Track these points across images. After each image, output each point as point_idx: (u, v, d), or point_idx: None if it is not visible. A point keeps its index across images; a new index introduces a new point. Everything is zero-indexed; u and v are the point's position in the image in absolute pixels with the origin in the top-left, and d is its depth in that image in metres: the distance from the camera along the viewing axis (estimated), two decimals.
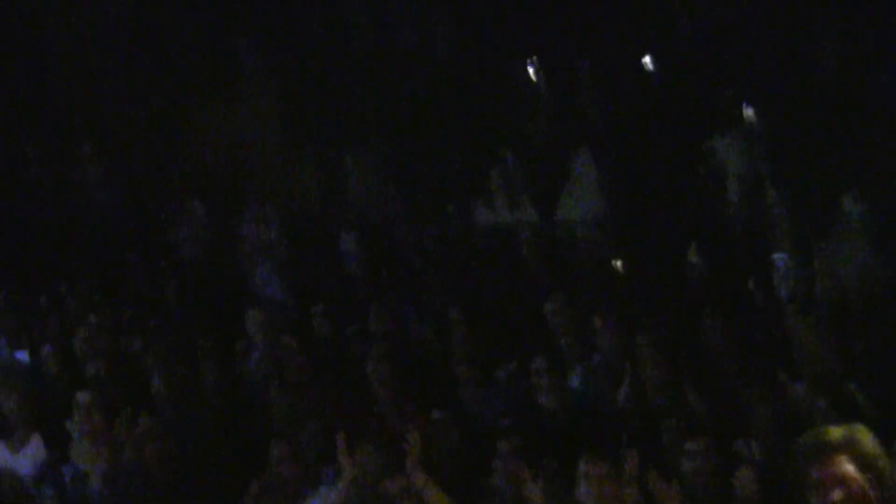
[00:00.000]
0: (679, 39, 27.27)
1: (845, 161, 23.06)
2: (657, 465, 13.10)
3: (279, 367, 16.95)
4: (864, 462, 7.76)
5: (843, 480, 7.72)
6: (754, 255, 20.52)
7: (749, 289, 19.93)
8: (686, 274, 20.80)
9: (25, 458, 15.11)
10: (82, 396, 15.13)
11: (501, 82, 28.09)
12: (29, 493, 14.18)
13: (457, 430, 14.54)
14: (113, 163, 25.56)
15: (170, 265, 22.13)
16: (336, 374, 16.62)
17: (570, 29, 27.67)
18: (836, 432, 8.18)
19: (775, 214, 21.81)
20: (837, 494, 7.60)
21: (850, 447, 7.85)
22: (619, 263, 21.62)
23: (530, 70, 27.91)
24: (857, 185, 22.14)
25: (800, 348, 15.47)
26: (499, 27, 28.11)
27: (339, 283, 21.43)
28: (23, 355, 18.29)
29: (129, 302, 19.91)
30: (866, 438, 8.05)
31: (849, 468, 7.78)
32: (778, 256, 19.85)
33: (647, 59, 26.84)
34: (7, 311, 19.55)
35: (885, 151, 23.53)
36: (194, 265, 22.47)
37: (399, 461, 13.05)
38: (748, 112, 25.97)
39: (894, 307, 16.34)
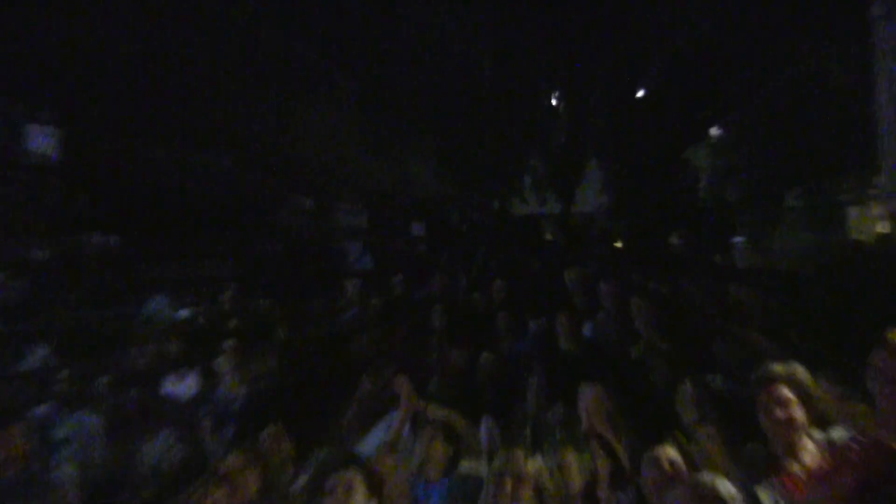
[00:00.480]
0: (661, 78, 27.43)
1: (788, 168, 23.09)
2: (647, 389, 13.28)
3: (368, 321, 17.09)
4: (799, 389, 8.07)
5: (783, 403, 8.04)
6: (720, 238, 20.57)
7: (716, 262, 20.01)
8: (669, 251, 20.83)
9: (186, 388, 15.16)
10: (226, 343, 15.30)
11: (532, 109, 28.15)
12: (189, 412, 14.28)
13: (498, 367, 14.55)
14: (247, 170, 25.67)
15: (287, 245, 22.33)
16: (408, 325, 16.70)
17: (585, 66, 27.79)
18: (778, 367, 8.49)
19: (735, 208, 21.91)
20: (779, 412, 7.91)
21: (789, 378, 8.16)
22: (619, 243, 21.77)
23: (553, 100, 27.95)
24: (798, 186, 22.19)
25: (752, 306, 15.57)
26: (530, 63, 28.02)
27: (411, 258, 21.75)
28: (185, 312, 18.35)
29: (259, 273, 20.13)
30: (801, 371, 8.36)
31: (787, 393, 8.08)
32: (737, 239, 19.94)
33: (640, 93, 27.05)
34: (173, 280, 19.60)
35: (818, 161, 23.66)
36: (306, 245, 22.60)
37: (452, 393, 13.15)
38: (714, 131, 26.13)
39: (824, 278, 16.46)
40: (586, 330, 15.94)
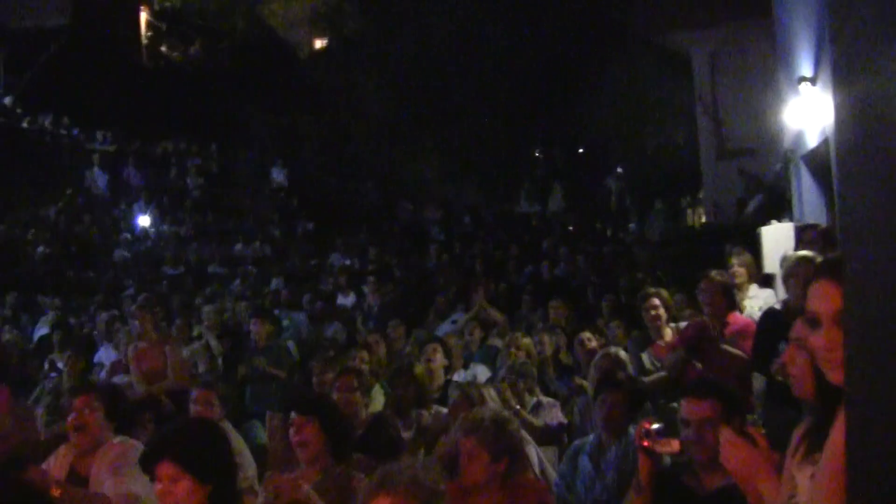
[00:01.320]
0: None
1: (657, 189, 22.72)
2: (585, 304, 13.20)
3: (441, 267, 16.96)
4: (662, 300, 7.88)
5: (654, 307, 7.85)
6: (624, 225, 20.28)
7: (621, 237, 19.78)
8: (597, 231, 20.63)
9: (349, 300, 14.92)
10: (369, 279, 15.09)
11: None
12: (349, 314, 14.09)
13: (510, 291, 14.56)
14: (380, 188, 25.35)
15: (399, 227, 22.04)
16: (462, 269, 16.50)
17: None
18: (652, 289, 8.28)
19: (631, 210, 21.53)
20: (652, 312, 7.73)
21: (658, 294, 7.97)
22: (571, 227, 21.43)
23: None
24: (661, 198, 21.88)
25: (641, 259, 15.47)
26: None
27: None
28: (347, 262, 17.98)
29: (385, 243, 19.82)
30: (663, 291, 8.19)
31: (656, 302, 7.88)
32: (631, 225, 19.68)
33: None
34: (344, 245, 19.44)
35: (672, 184, 23.40)
36: (407, 226, 22.20)
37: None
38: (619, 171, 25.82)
39: (674, 245, 16.24)
40: (557, 271, 15.86)
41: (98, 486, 4.85)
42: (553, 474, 6.09)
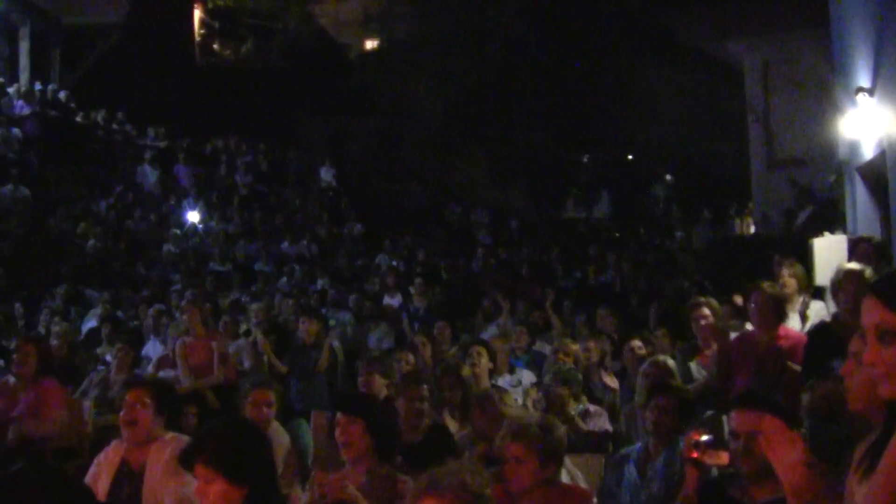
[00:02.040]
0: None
1: (704, 198, 22.61)
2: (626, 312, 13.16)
3: (487, 269, 16.96)
4: (711, 310, 7.83)
5: (704, 316, 7.79)
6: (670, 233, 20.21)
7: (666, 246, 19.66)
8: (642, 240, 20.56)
9: (396, 301, 14.94)
10: (416, 280, 15.12)
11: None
12: (396, 314, 14.15)
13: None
14: (426, 192, 25.35)
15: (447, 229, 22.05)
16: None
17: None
18: (702, 298, 8.23)
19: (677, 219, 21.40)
20: (701, 322, 7.64)
21: (707, 304, 7.91)
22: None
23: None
24: (709, 206, 21.84)
25: (688, 267, 15.38)
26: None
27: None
28: (393, 262, 18.00)
29: (433, 243, 19.83)
30: (713, 301, 8.11)
31: (706, 311, 7.83)
32: (678, 234, 19.61)
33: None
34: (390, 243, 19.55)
35: (720, 194, 23.28)
36: (457, 229, 22.20)
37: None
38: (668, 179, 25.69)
39: (723, 254, 16.11)
40: (602, 277, 15.82)
41: (154, 484, 4.95)
42: (584, 485, 6.05)
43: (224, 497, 3.52)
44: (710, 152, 23.82)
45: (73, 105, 24.38)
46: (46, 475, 3.03)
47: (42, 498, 2.89)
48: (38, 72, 25.94)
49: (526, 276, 15.85)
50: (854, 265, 6.69)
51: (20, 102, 22.74)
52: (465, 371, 7.72)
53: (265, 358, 11.03)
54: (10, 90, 23.34)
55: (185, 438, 5.08)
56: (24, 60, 25.79)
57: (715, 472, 4.64)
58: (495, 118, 25.80)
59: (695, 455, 4.13)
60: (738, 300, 9.46)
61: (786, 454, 2.61)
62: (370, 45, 34.61)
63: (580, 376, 8.30)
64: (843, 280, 6.43)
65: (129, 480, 5.08)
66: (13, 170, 19.96)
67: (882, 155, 9.84)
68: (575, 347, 9.24)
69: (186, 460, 3.63)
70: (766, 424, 2.74)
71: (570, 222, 24.47)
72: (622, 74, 24.16)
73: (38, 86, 24.09)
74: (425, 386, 6.71)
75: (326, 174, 25.57)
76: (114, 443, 5.30)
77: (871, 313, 2.08)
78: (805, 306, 8.45)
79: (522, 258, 17.56)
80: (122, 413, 5.19)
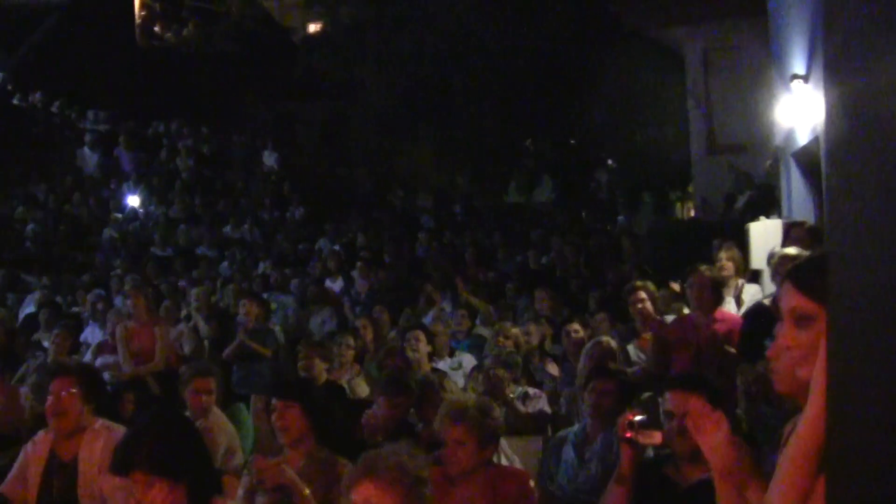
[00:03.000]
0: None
1: (645, 182, 22.78)
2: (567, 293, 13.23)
3: (431, 255, 16.95)
4: (649, 294, 7.91)
5: (641, 300, 7.88)
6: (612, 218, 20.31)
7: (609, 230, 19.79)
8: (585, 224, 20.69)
9: (337, 286, 14.91)
10: (358, 263, 15.08)
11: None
12: (337, 298, 14.13)
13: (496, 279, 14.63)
14: (372, 177, 25.22)
15: (392, 214, 21.93)
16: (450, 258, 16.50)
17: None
18: (639, 282, 8.31)
19: (619, 203, 21.61)
20: (639, 306, 7.76)
21: (645, 288, 8.00)
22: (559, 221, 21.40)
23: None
24: (650, 191, 21.96)
25: (629, 251, 15.45)
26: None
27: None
28: (336, 247, 17.81)
29: (376, 228, 19.67)
30: (650, 284, 8.21)
31: (643, 296, 7.92)
32: (620, 218, 19.75)
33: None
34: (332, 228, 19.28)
35: (662, 178, 23.48)
36: (400, 214, 22.07)
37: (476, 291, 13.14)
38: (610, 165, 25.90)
39: (662, 239, 16.23)
40: (543, 260, 15.90)
41: (91, 478, 4.83)
42: (520, 467, 6.10)
43: (167, 496, 3.49)
44: (653, 138, 23.99)
45: (9, 88, 23.94)
46: None
47: None
48: None
49: (469, 260, 15.86)
50: (791, 250, 6.80)
51: None
52: (415, 353, 7.75)
53: (206, 343, 10.98)
54: None
55: (117, 427, 5.07)
56: None
57: (650, 452, 4.71)
58: (440, 102, 25.75)
59: (629, 435, 4.19)
60: (675, 287, 9.60)
61: (711, 435, 2.67)
62: (314, 28, 34.39)
63: (520, 360, 8.35)
64: (779, 264, 6.55)
65: (59, 473, 4.95)
66: None
67: (816, 141, 9.99)
68: (515, 331, 9.28)
69: (121, 468, 3.58)
70: (692, 405, 2.79)
71: (513, 207, 24.48)
72: (567, 59, 24.22)
73: None
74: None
75: (269, 158, 25.36)
76: (41, 433, 5.16)
77: (787, 298, 2.14)
78: (740, 290, 8.59)
79: (466, 242, 17.54)
80: (47, 403, 5.02)
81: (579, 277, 14.44)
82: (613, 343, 7.55)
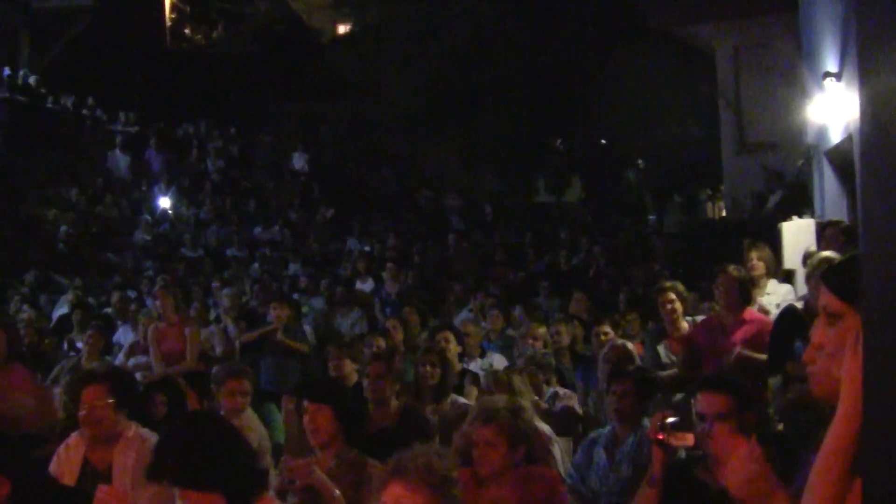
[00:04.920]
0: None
1: (676, 182, 22.66)
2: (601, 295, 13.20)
3: (459, 255, 16.95)
4: (679, 295, 7.87)
5: (671, 301, 7.83)
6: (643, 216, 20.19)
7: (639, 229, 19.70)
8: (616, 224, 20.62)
9: (367, 286, 14.91)
10: (388, 265, 15.04)
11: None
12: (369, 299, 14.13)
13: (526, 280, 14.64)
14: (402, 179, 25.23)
15: (420, 214, 21.91)
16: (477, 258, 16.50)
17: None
18: (668, 283, 8.27)
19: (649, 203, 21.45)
20: (668, 306, 7.71)
21: (674, 289, 7.95)
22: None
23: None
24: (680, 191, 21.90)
25: (659, 250, 15.40)
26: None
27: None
28: (367, 247, 17.93)
29: (406, 230, 19.67)
30: (680, 285, 8.15)
31: (672, 296, 7.87)
32: (651, 217, 19.62)
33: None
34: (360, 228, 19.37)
35: (691, 178, 23.36)
36: (429, 215, 22.05)
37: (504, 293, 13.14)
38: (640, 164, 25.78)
39: (693, 238, 16.17)
40: (575, 260, 15.88)
41: (123, 487, 4.73)
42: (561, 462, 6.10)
43: None
44: (682, 137, 23.91)
45: (42, 90, 24.11)
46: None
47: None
48: (6, 56, 25.64)
49: (499, 260, 15.85)
50: (829, 253, 6.74)
51: None
52: (450, 351, 7.75)
53: (237, 344, 11.03)
54: None
55: (150, 436, 5.01)
56: None
57: (682, 453, 4.68)
58: (467, 102, 25.77)
59: (661, 436, 4.17)
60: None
61: (737, 463, 2.66)
62: (342, 29, 34.48)
63: (553, 361, 8.34)
64: (816, 266, 6.49)
65: (93, 482, 4.77)
66: None
67: (849, 139, 9.92)
68: (542, 331, 9.26)
69: (153, 476, 3.48)
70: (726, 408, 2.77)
71: (542, 206, 24.44)
72: (594, 58, 24.18)
73: (6, 71, 23.85)
74: (385, 364, 6.65)
75: (298, 160, 25.42)
76: (74, 436, 5.10)
77: (821, 297, 2.15)
78: (773, 290, 8.52)
79: (496, 243, 17.54)
80: (81, 413, 4.95)
81: (609, 277, 14.41)
82: (629, 345, 7.54)
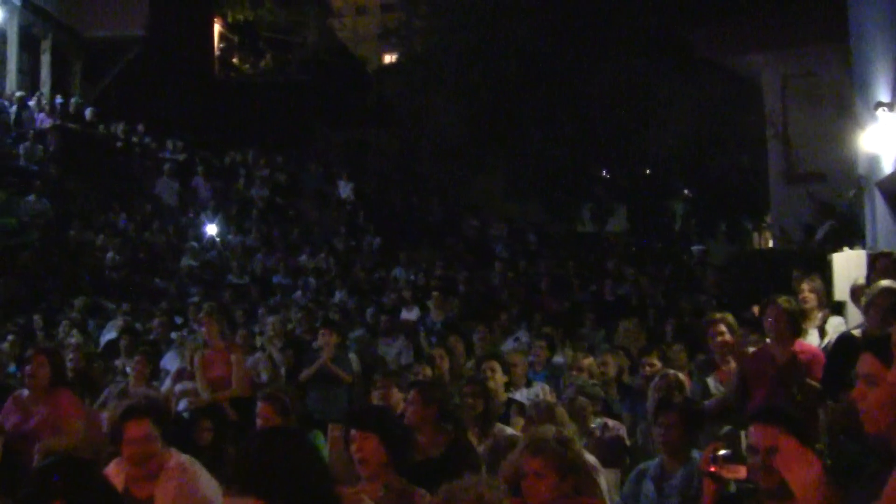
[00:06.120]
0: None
1: (721, 212, 22.56)
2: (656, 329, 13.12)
3: (506, 282, 16.94)
4: (729, 326, 7.78)
5: (721, 332, 7.76)
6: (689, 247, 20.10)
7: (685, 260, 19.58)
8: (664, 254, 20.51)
9: (413, 314, 14.90)
10: (433, 293, 15.05)
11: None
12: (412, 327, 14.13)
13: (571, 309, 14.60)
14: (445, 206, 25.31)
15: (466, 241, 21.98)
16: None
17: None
18: (719, 314, 8.18)
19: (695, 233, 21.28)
20: (719, 338, 7.62)
21: (724, 320, 7.86)
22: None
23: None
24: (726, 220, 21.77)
25: (707, 281, 15.29)
26: None
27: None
28: (412, 276, 18.01)
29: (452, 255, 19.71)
30: (730, 317, 8.05)
31: (723, 328, 7.77)
32: (697, 247, 19.52)
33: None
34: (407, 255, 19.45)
35: (736, 207, 23.21)
36: (474, 242, 22.14)
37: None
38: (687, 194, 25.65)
39: (740, 269, 16.05)
40: (620, 290, 15.80)
41: None
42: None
43: None
44: (728, 166, 23.76)
45: (92, 118, 24.44)
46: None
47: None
48: (58, 85, 26.17)
49: (545, 289, 15.80)
50: (890, 283, 6.65)
51: (41, 115, 22.97)
52: (491, 383, 7.69)
53: (282, 371, 11.08)
54: (31, 103, 23.56)
55: (190, 465, 5.01)
56: (45, 73, 26.13)
57: (733, 486, 4.62)
58: (512, 131, 25.81)
59: (713, 469, 4.12)
60: (756, 309, 9.42)
61: (802, 473, 2.60)
62: (388, 58, 34.74)
63: (601, 391, 8.28)
64: (877, 296, 6.40)
65: None
66: (35, 182, 20.03)
67: None
68: (587, 361, 9.20)
69: (233, 489, 3.48)
70: (783, 443, 2.73)
71: (586, 236, 24.38)
72: (640, 88, 24.12)
73: (58, 99, 24.23)
74: (432, 391, 6.61)
75: (345, 188, 25.56)
76: (113, 465, 5.06)
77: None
78: (824, 321, 8.42)
79: (541, 272, 17.49)
80: (126, 452, 4.93)
81: (655, 308, 14.31)
82: (680, 375, 7.48)
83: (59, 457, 3.37)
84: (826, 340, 7.89)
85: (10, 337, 12.49)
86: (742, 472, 4.10)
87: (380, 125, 29.35)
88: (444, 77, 26.69)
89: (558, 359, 10.79)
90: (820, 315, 8.47)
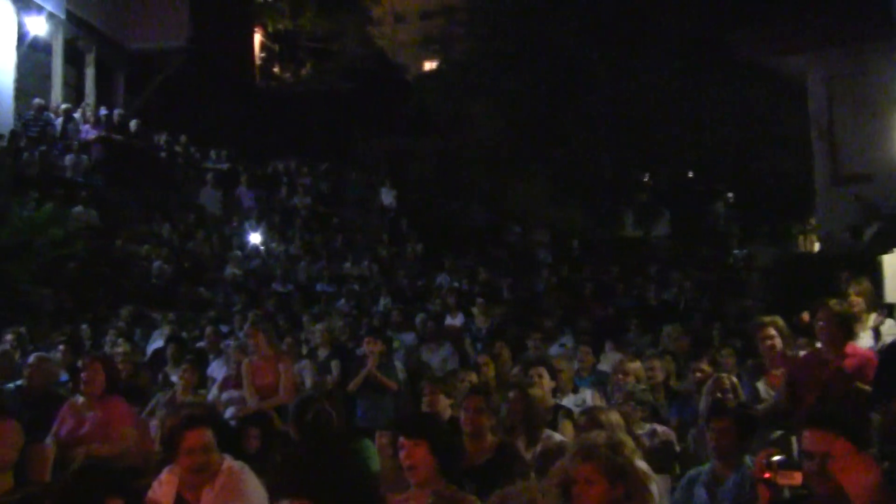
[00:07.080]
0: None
1: (765, 215, 22.40)
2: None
3: (549, 291, 16.90)
4: (778, 329, 7.72)
5: (770, 336, 7.69)
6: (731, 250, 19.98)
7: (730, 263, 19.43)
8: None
9: (458, 321, 14.88)
10: (478, 300, 15.05)
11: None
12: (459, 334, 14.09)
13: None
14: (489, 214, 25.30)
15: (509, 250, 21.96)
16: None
17: None
18: (767, 318, 8.12)
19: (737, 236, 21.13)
20: (768, 342, 7.56)
21: (773, 323, 7.80)
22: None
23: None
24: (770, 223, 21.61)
25: (752, 284, 15.16)
26: None
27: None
28: (456, 283, 17.99)
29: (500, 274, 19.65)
30: (779, 320, 7.98)
31: (772, 331, 7.72)
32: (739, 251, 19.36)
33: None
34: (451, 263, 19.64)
35: (781, 210, 23.01)
36: (516, 249, 22.10)
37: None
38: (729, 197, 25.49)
39: (787, 272, 15.90)
40: (665, 294, 15.74)
41: None
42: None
43: None
44: (772, 169, 23.54)
45: (137, 129, 24.66)
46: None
47: None
48: (102, 97, 26.49)
49: (588, 295, 15.75)
50: None
51: (86, 127, 23.24)
52: (535, 390, 7.65)
53: (328, 378, 11.12)
54: (76, 115, 23.83)
55: (238, 468, 5.09)
56: (89, 85, 26.44)
57: (787, 493, 4.57)
58: (554, 137, 25.74)
59: (767, 475, 4.07)
60: (806, 317, 9.32)
61: (859, 478, 2.58)
62: (429, 66, 34.79)
63: (650, 396, 8.23)
64: None
65: None
66: (82, 192, 20.26)
67: None
68: (633, 366, 9.14)
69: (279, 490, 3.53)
70: (838, 448, 2.70)
71: (629, 241, 24.25)
72: (683, 90, 23.98)
73: (102, 110, 24.50)
74: (488, 398, 6.61)
75: (387, 195, 25.65)
76: (165, 472, 5.15)
77: None
78: (880, 322, 8.33)
79: (584, 277, 17.44)
80: (187, 458, 5.01)
81: (701, 312, 14.22)
82: (734, 379, 7.42)
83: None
84: (881, 343, 7.81)
85: (61, 346, 12.57)
86: (797, 478, 4.04)
87: (421, 132, 29.38)
88: (484, 83, 26.69)
89: (603, 366, 10.73)
90: (874, 317, 8.37)
